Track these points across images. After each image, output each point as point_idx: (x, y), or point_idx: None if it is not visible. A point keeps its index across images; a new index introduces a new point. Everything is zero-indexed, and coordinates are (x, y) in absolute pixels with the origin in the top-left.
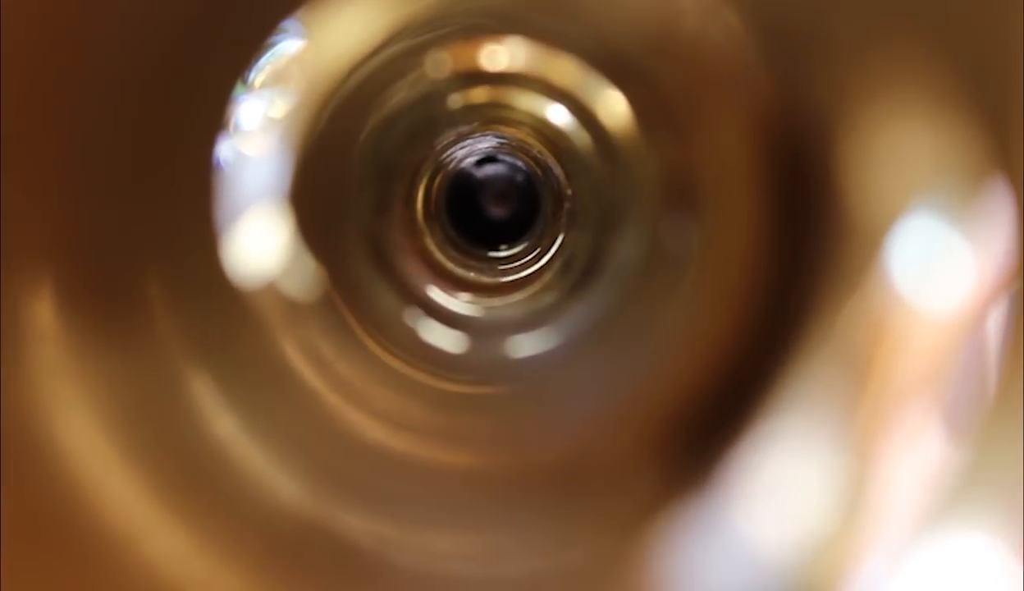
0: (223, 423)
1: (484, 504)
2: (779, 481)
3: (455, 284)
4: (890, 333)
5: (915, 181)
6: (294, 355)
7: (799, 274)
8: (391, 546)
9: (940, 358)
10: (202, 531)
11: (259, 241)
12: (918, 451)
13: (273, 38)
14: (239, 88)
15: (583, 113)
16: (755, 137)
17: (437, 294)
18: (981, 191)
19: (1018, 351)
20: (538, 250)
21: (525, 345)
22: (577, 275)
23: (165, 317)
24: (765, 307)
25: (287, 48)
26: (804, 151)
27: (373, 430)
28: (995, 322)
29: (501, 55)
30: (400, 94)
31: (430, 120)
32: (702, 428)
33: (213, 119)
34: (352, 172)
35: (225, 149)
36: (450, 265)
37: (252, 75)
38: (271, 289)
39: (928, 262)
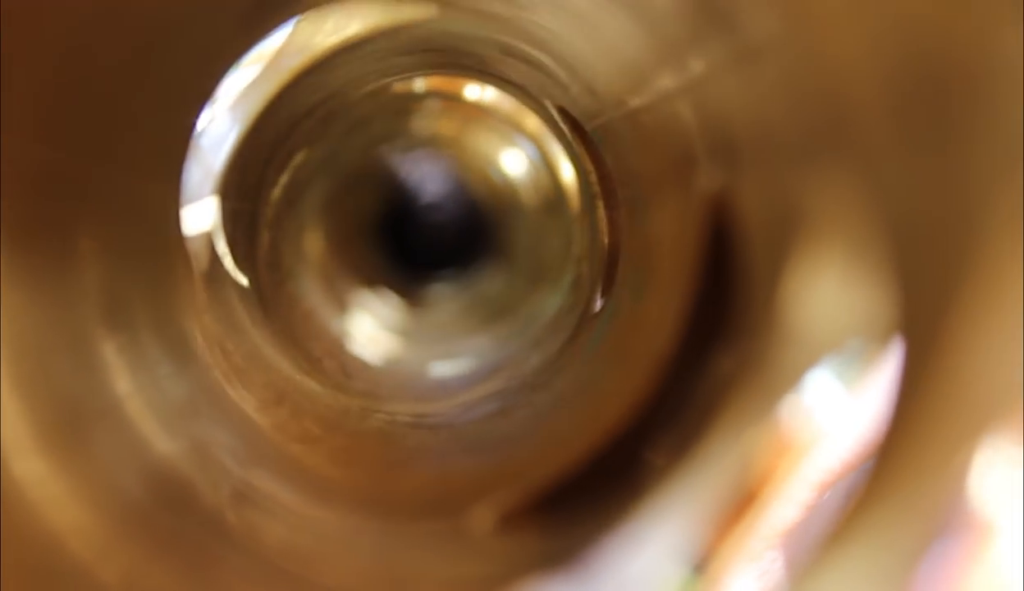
0: (120, 384)
1: (340, 499)
2: (631, 575)
3: (375, 300)
4: (768, 455)
5: (832, 318)
6: (199, 330)
7: (706, 365)
8: (254, 517)
9: (796, 497)
10: (80, 477)
11: (195, 215)
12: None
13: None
14: (219, 65)
15: (534, 165)
16: (694, 222)
17: (357, 306)
18: (881, 355)
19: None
20: (465, 287)
21: (431, 374)
22: (497, 317)
23: (88, 273)
24: (667, 390)
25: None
26: (739, 250)
27: (255, 413)
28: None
29: (472, 90)
30: (360, 103)
31: (384, 134)
32: (580, 496)
33: (185, 90)
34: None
35: (187, 120)
36: (372, 281)
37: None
38: (196, 263)
39: (817, 408)
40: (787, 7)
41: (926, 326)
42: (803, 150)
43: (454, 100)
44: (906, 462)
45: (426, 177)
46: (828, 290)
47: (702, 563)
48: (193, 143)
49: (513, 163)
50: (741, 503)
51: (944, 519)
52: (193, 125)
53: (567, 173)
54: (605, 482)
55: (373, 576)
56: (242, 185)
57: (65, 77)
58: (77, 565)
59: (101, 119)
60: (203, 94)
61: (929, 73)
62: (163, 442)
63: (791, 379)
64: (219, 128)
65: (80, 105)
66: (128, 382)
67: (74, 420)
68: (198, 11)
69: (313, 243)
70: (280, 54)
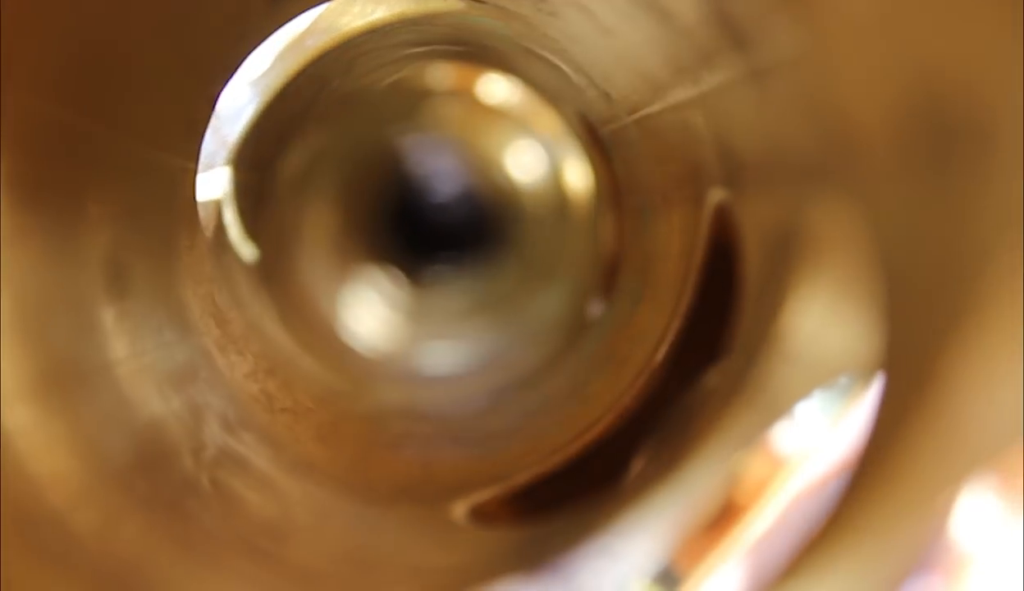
0: (116, 347)
1: (320, 476)
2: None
3: (378, 280)
4: (748, 473)
5: (822, 344)
6: (199, 299)
7: (695, 379)
8: (233, 482)
9: (768, 514)
10: (65, 430)
11: (206, 184)
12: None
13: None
14: (246, 41)
15: (545, 164)
16: (698, 235)
17: (359, 285)
18: (866, 386)
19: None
20: (467, 277)
21: (426, 360)
22: (496, 311)
23: (94, 238)
24: (655, 400)
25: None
26: (737, 266)
27: (246, 380)
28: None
29: (489, 85)
30: (379, 89)
31: (399, 120)
32: (559, 498)
33: (208, 62)
34: (305, 144)
35: (208, 93)
36: (376, 261)
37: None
38: (203, 233)
39: (800, 432)
40: (805, 30)
41: (915, 359)
42: (806, 172)
43: (471, 93)
44: (886, 495)
45: (438, 165)
46: (820, 315)
47: (675, 575)
48: (211, 115)
49: (525, 160)
50: (719, 518)
51: (921, 553)
52: (213, 98)
53: (577, 176)
54: (586, 486)
55: (341, 555)
56: (255, 158)
57: (86, 39)
58: (53, 514)
59: (120, 85)
60: (226, 68)
61: (935, 112)
62: (152, 404)
63: (778, 400)
64: (238, 100)
65: (99, 69)
66: (124, 347)
67: (67, 376)
68: None
69: (321, 220)
70: (305, 34)
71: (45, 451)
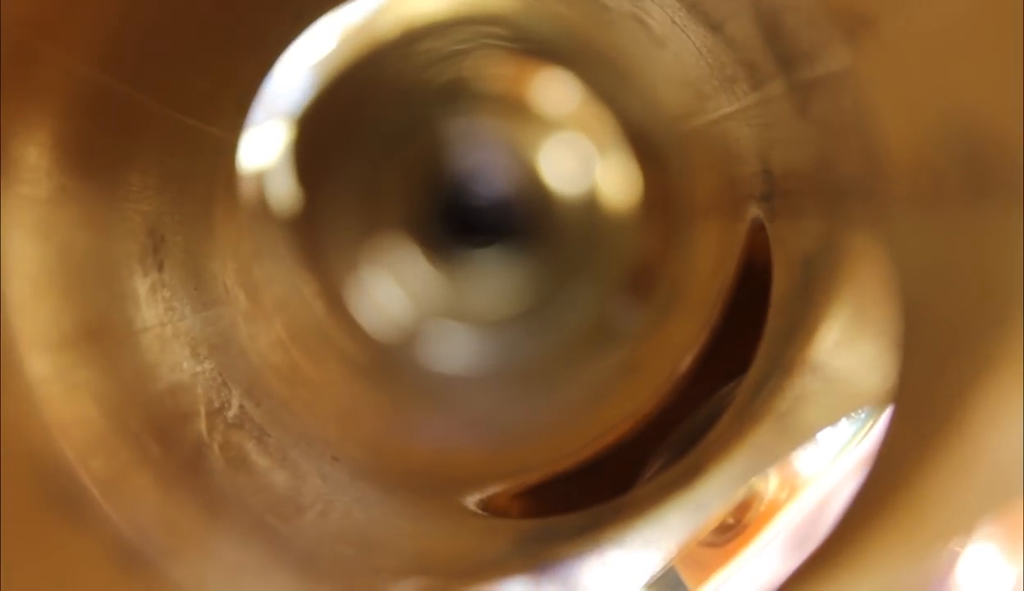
0: (151, 313)
1: (331, 451)
2: None
3: (415, 258)
4: (760, 491)
5: (845, 368)
6: (234, 269)
7: (716, 393)
8: (245, 445)
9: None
10: (88, 384)
11: (253, 156)
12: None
13: None
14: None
15: (589, 167)
16: (733, 252)
17: (396, 261)
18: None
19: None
20: (500, 266)
21: (449, 355)
22: (524, 306)
23: (136, 208)
24: (673, 411)
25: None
26: (766, 284)
27: (271, 350)
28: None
29: (542, 85)
30: (435, 77)
31: (449, 109)
32: (568, 499)
33: (261, 40)
34: (366, 128)
35: (259, 70)
36: (415, 240)
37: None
38: (245, 205)
39: (816, 455)
40: (851, 52)
41: (932, 393)
42: (839, 194)
43: (524, 90)
44: (891, 530)
45: (483, 156)
46: (843, 340)
47: (675, 587)
48: (262, 93)
49: (569, 161)
50: (729, 536)
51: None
52: (265, 74)
53: (619, 181)
54: (597, 490)
55: (346, 536)
56: (302, 138)
57: (139, 10)
58: (65, 462)
59: (170, 57)
60: (280, 45)
61: (969, 148)
62: (175, 368)
63: (796, 422)
64: (293, 80)
65: (150, 40)
66: (155, 314)
67: (93, 334)
68: None
69: (361, 201)
70: (368, 19)
71: (64, 401)
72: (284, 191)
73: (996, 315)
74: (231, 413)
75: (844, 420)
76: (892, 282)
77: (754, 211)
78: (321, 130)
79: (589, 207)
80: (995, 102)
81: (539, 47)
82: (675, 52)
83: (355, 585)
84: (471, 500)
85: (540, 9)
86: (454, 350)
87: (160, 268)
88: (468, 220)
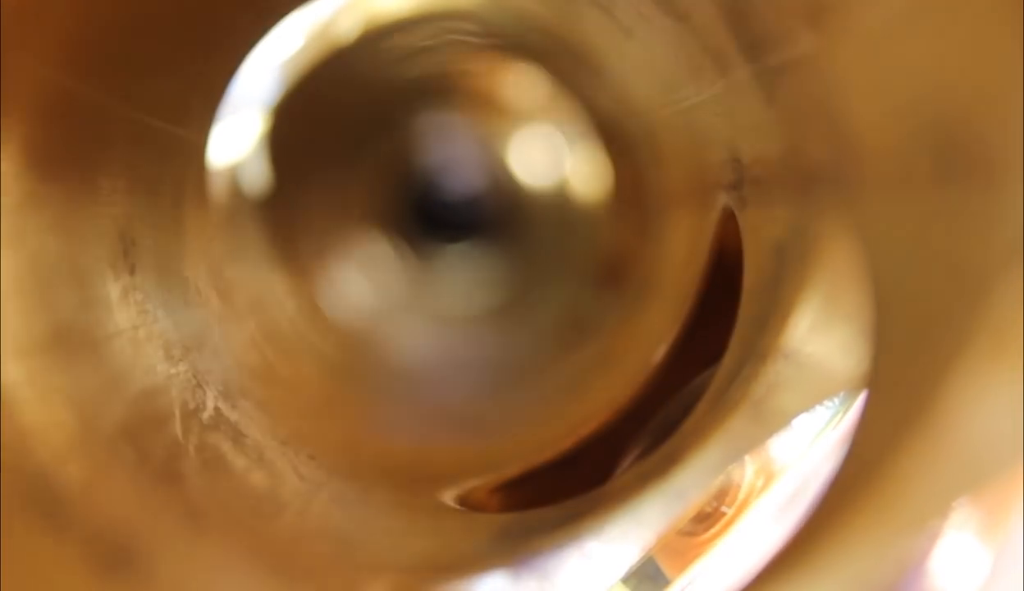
0: (124, 316)
1: (308, 449)
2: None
3: (387, 252)
4: (738, 479)
5: (816, 354)
6: (205, 269)
7: (691, 383)
8: (221, 446)
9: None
10: (63, 388)
11: (222, 156)
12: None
13: None
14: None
15: (560, 160)
16: (704, 241)
17: (369, 256)
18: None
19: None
20: (474, 258)
21: (426, 340)
22: (499, 299)
23: (105, 211)
24: (650, 401)
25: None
26: (738, 272)
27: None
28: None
29: (512, 78)
30: (403, 75)
31: (420, 106)
32: (545, 492)
33: (227, 41)
34: (334, 118)
35: (226, 71)
36: (388, 234)
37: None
38: (216, 205)
39: (792, 440)
40: (818, 36)
41: (907, 376)
42: (808, 180)
43: (494, 84)
44: (869, 514)
45: (455, 150)
46: (815, 326)
47: (661, 579)
48: (230, 93)
49: (540, 154)
50: (706, 525)
51: (900, 578)
52: (231, 76)
53: (590, 173)
54: (576, 482)
55: (320, 533)
56: (271, 136)
57: (104, 13)
58: (40, 466)
59: (136, 59)
60: (246, 46)
61: (940, 131)
62: (149, 372)
63: (771, 410)
64: (260, 80)
65: (115, 42)
66: (128, 318)
67: (67, 338)
68: None
69: (332, 198)
70: (333, 17)
71: (38, 405)
72: (254, 191)
73: (967, 298)
74: (206, 414)
75: (819, 405)
76: (863, 267)
77: (724, 199)
78: (290, 129)
79: (560, 200)
80: (964, 85)
81: (506, 41)
82: (642, 42)
83: (335, 583)
84: (449, 495)
85: (506, 3)
86: (429, 346)
87: (132, 271)
88: (440, 215)
